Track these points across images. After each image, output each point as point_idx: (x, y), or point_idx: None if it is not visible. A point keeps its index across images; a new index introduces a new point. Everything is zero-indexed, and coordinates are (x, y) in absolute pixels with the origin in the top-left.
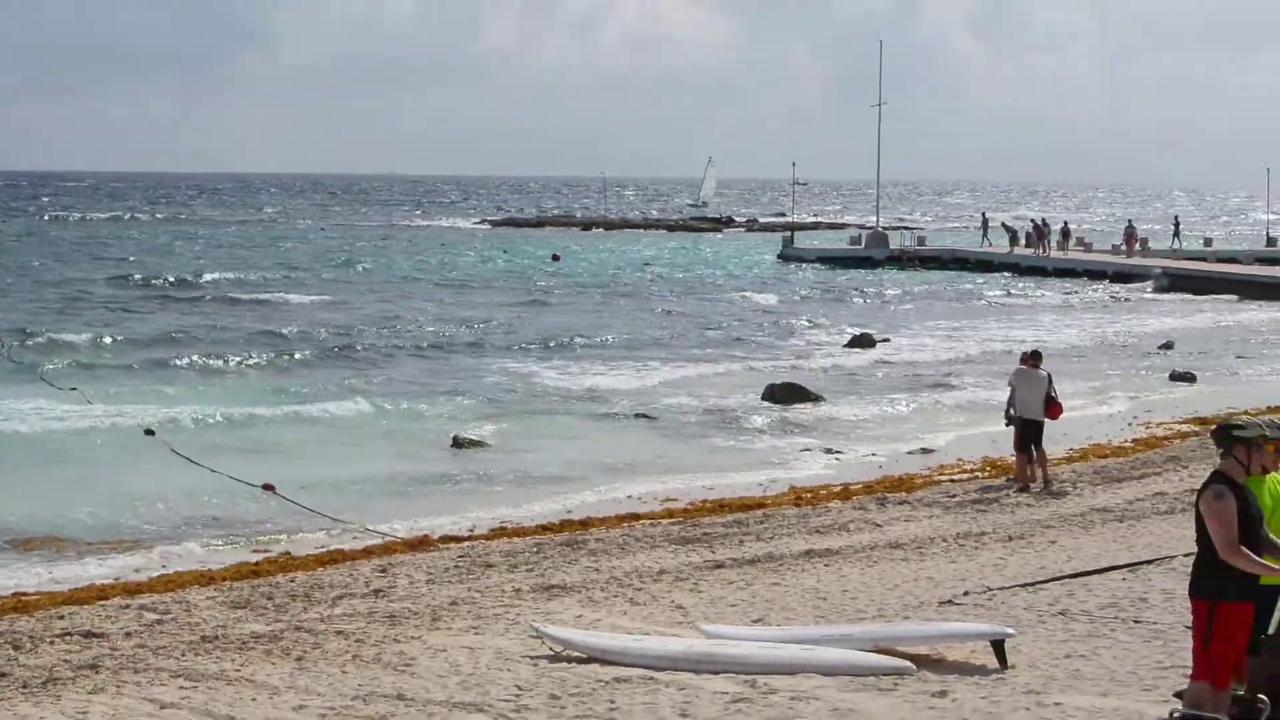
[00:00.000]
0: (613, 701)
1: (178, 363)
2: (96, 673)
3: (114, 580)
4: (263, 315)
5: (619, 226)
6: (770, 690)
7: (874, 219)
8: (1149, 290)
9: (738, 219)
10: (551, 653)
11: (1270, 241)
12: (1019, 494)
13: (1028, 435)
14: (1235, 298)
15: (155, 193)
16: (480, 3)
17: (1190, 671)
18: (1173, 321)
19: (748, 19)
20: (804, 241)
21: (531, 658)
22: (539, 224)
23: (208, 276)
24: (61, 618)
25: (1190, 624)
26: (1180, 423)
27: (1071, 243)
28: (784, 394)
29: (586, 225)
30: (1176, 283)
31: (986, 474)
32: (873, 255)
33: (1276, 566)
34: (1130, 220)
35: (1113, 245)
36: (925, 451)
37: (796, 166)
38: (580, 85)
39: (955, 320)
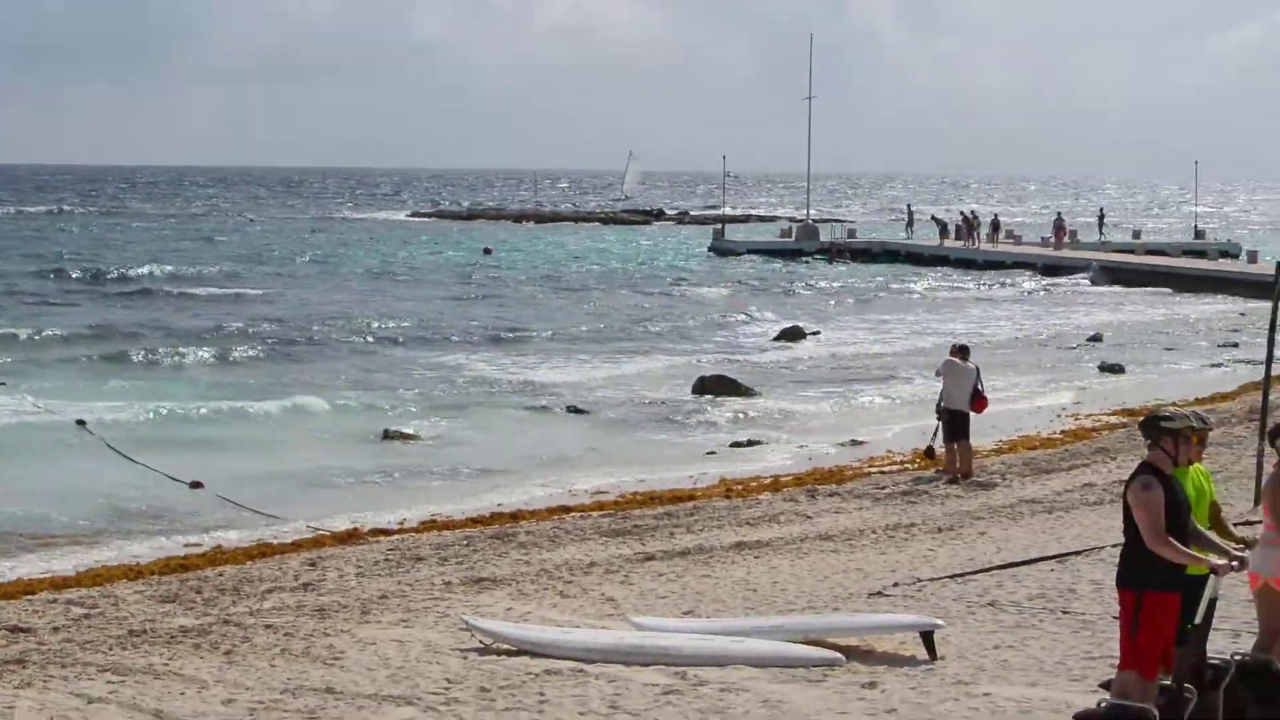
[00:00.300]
0: (542, 694)
1: (112, 358)
2: (23, 667)
3: (41, 575)
4: (197, 309)
5: (550, 219)
6: (700, 682)
7: (805, 212)
8: (1084, 283)
9: (669, 212)
10: (481, 645)
11: (1198, 234)
12: (948, 486)
13: (956, 426)
14: (1169, 290)
15: (85, 186)
16: None
17: (1118, 662)
18: (1102, 314)
19: (678, 11)
20: (735, 234)
21: (461, 650)
22: (470, 216)
23: (141, 271)
24: None
25: (1118, 614)
26: (1109, 414)
27: (1001, 235)
28: (714, 387)
29: (518, 218)
30: (1112, 276)
31: (916, 466)
32: (803, 248)
33: (1203, 557)
34: (1059, 213)
35: (1042, 238)
36: (855, 444)
37: (728, 159)
38: (510, 77)
39: (885, 313)
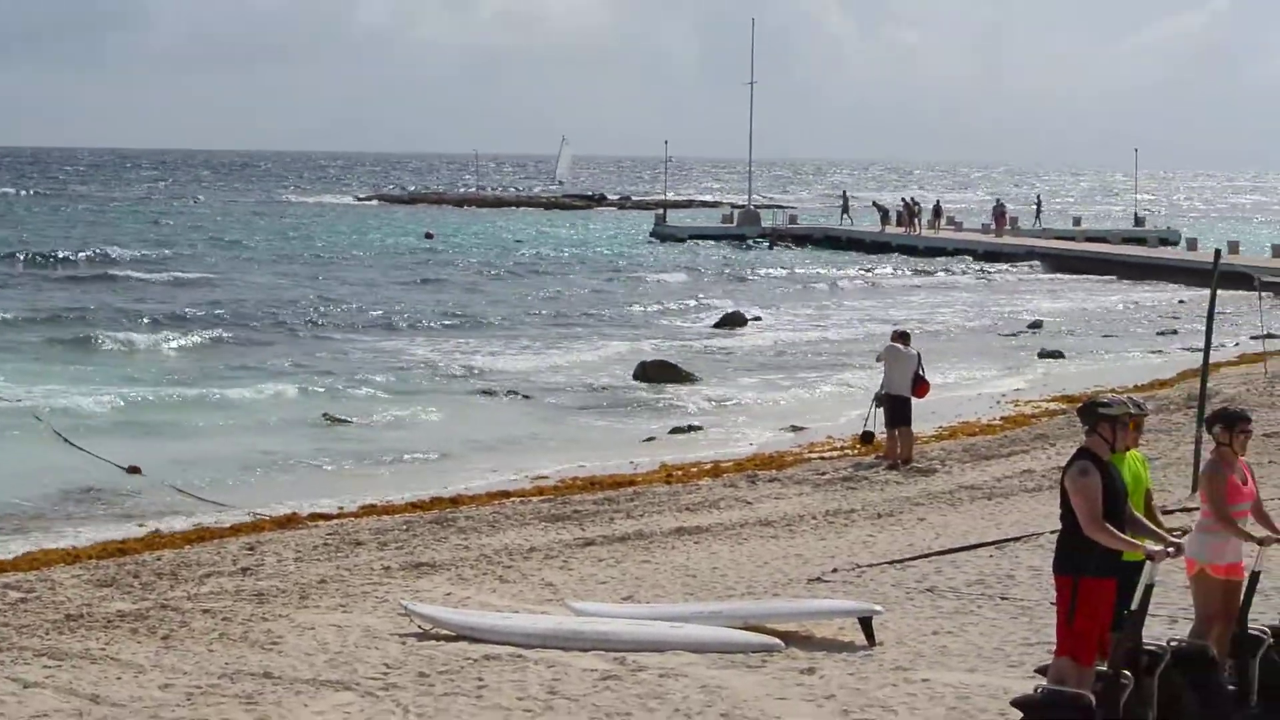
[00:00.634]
0: (481, 679)
1: (56, 342)
2: None
3: None
4: (140, 293)
5: (492, 204)
6: (639, 667)
7: (747, 198)
8: (1035, 270)
9: (611, 196)
10: (420, 630)
11: (1138, 221)
12: (889, 471)
13: (897, 412)
14: (1114, 278)
15: (27, 169)
16: None
17: (1055, 648)
18: (1043, 301)
19: None
20: (677, 220)
21: (400, 636)
22: (412, 200)
23: (86, 254)
24: None
25: (1055, 600)
26: (1048, 401)
27: (943, 222)
28: (656, 373)
29: (460, 202)
30: (1058, 263)
31: (857, 452)
32: (745, 234)
33: (1139, 543)
34: (999, 199)
35: (983, 225)
36: (796, 429)
37: (670, 144)
38: (454, 62)
39: (825, 299)
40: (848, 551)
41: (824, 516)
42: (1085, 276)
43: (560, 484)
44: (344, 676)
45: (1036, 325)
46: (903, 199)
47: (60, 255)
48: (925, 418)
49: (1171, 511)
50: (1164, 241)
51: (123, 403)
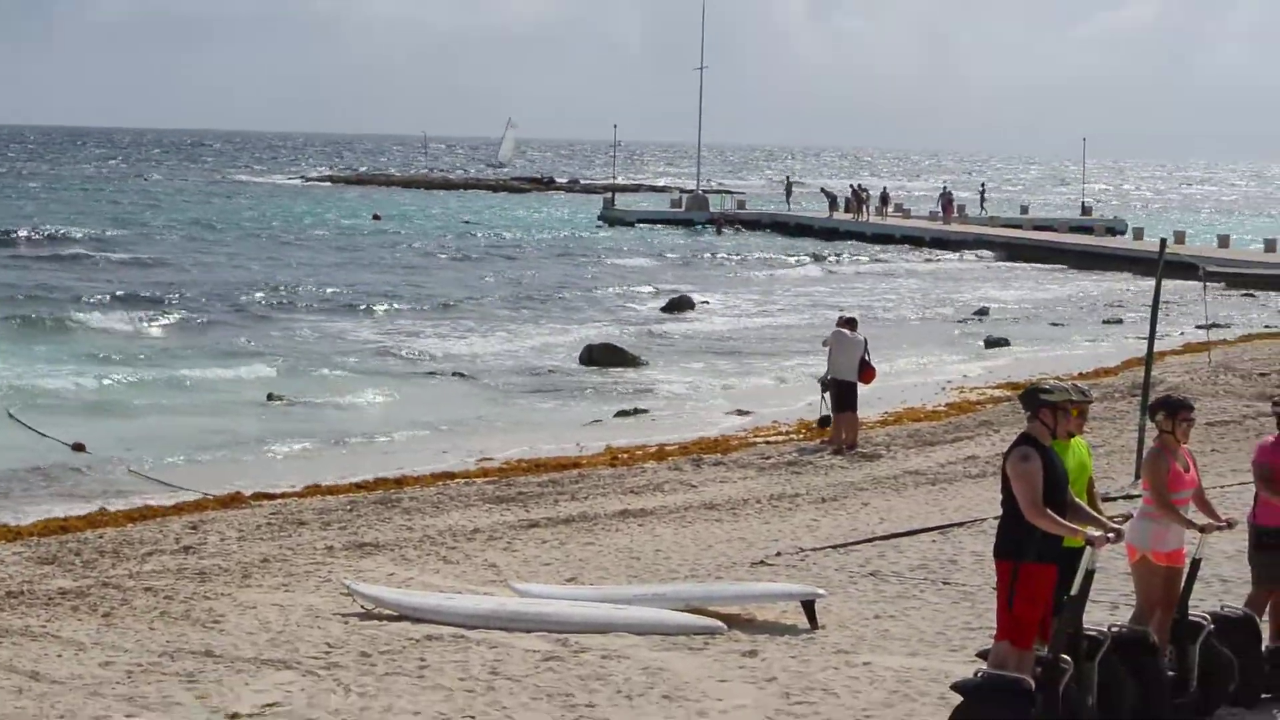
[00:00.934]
0: (423, 659)
1: (6, 319)
2: None
3: None
4: (94, 274)
5: (440, 186)
6: (581, 649)
7: (694, 182)
8: (982, 258)
9: (560, 180)
10: (363, 610)
11: (1085, 210)
12: (833, 456)
13: (842, 397)
14: (1061, 266)
15: None
16: None
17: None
18: (990, 289)
19: None
20: (625, 203)
21: (342, 615)
22: (360, 181)
23: (40, 233)
24: None
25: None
26: (993, 387)
27: (890, 208)
28: (602, 356)
29: (408, 183)
30: (1005, 251)
31: (802, 436)
32: (693, 218)
33: (1079, 528)
34: (946, 187)
35: (930, 212)
36: (741, 413)
37: (619, 128)
38: (403, 42)
39: (772, 284)
40: (791, 535)
41: (768, 500)
42: (1032, 265)
43: (505, 466)
44: (286, 655)
45: (983, 313)
46: (851, 185)
47: (14, 235)
48: (870, 403)
49: (1114, 499)
50: (1111, 231)
51: (73, 382)
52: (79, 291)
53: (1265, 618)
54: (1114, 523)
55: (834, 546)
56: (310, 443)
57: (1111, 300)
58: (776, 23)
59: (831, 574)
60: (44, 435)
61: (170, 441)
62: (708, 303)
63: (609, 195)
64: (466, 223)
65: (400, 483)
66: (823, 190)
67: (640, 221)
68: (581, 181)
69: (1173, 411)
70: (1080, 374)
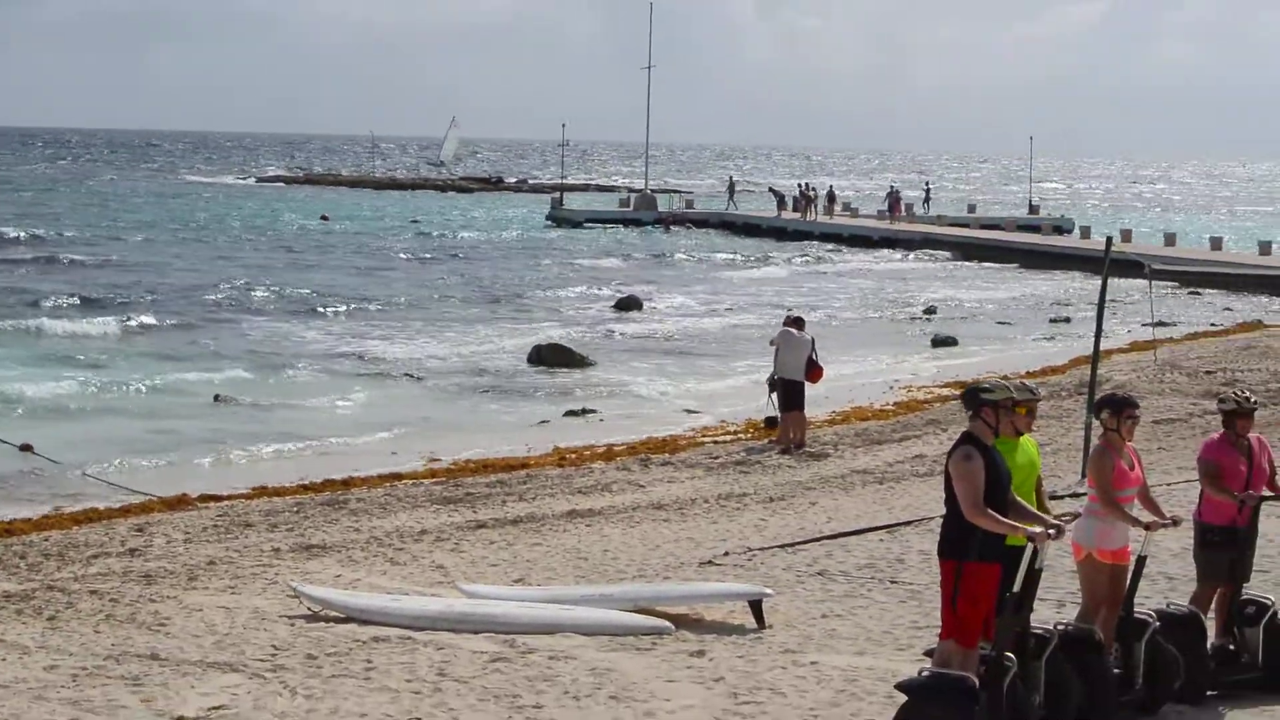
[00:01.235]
0: (370, 661)
1: None
2: None
3: None
4: (37, 275)
5: (388, 186)
6: (529, 650)
7: (643, 182)
8: (930, 257)
9: (509, 179)
10: (309, 612)
11: (1033, 209)
12: (781, 455)
13: (790, 396)
14: (1007, 265)
15: None
16: None
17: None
18: (937, 288)
19: None
20: (574, 203)
21: (289, 618)
22: (310, 181)
23: None
24: None
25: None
26: (941, 387)
27: (838, 208)
28: (550, 356)
29: (357, 183)
30: (952, 250)
31: (750, 436)
32: (641, 218)
33: (1021, 527)
34: (894, 186)
35: (878, 211)
36: (689, 413)
37: (571, 127)
38: (349, 41)
39: (720, 284)
40: (739, 535)
41: (716, 500)
42: (980, 264)
43: (453, 467)
44: (232, 658)
45: (930, 311)
46: (799, 185)
47: None
48: (818, 402)
49: (1061, 496)
50: (1058, 230)
51: (20, 384)
52: (29, 294)
53: (1210, 615)
54: (1063, 521)
55: (781, 546)
56: (258, 444)
57: (1059, 299)
58: (727, 22)
59: (779, 573)
60: None
61: (118, 443)
62: (655, 302)
63: (557, 195)
64: (415, 223)
65: (348, 484)
66: (771, 190)
67: (589, 221)
68: (530, 181)
69: (1117, 409)
70: (1028, 372)
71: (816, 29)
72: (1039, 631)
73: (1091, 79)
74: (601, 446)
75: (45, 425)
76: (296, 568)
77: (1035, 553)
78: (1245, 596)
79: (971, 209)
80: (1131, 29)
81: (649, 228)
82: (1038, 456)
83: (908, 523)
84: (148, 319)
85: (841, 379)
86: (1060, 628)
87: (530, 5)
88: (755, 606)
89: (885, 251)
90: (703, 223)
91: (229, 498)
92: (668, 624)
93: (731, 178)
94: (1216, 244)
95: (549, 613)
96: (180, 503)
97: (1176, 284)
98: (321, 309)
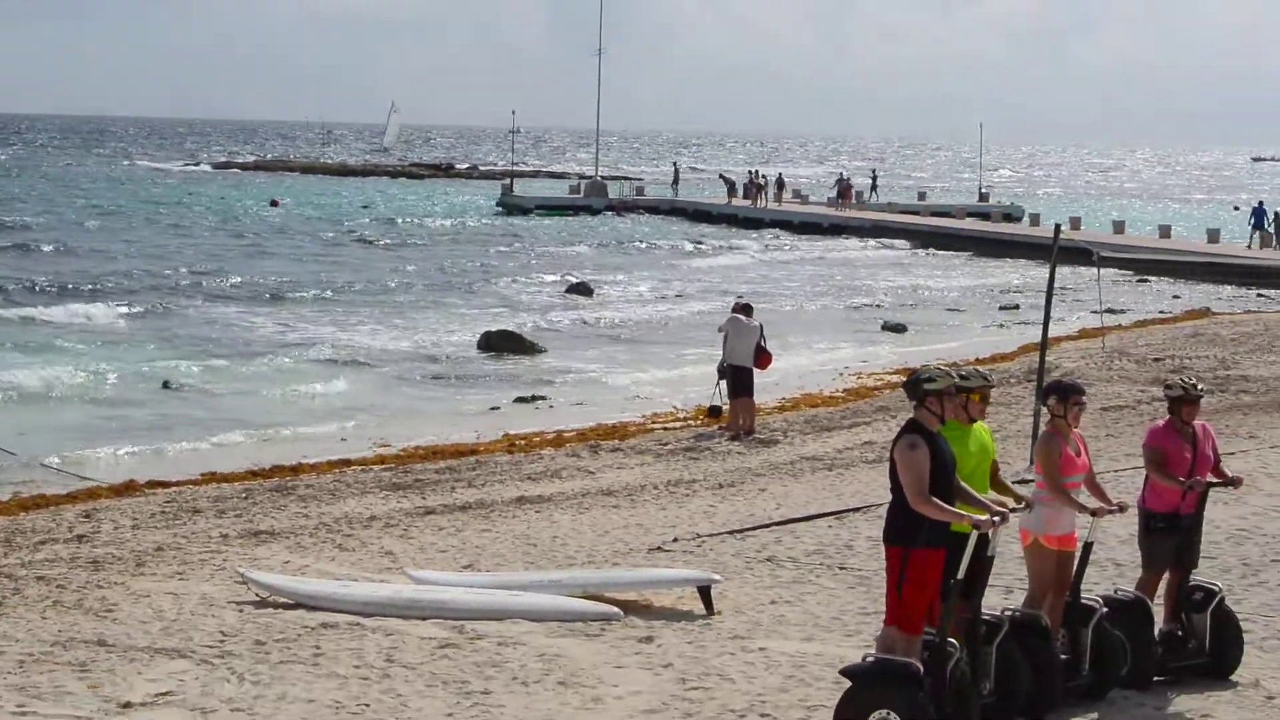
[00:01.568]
0: (318, 647)
1: None
2: None
3: None
4: None
5: (338, 172)
6: (477, 636)
7: (593, 169)
8: (880, 244)
9: (459, 166)
10: (257, 598)
11: (983, 196)
12: (731, 442)
13: (739, 383)
14: (955, 252)
15: None
16: None
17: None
18: (886, 274)
19: None
20: (525, 190)
21: (237, 603)
22: (261, 167)
23: None
24: None
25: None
26: (890, 373)
27: (787, 194)
28: (500, 343)
29: (307, 169)
30: (903, 237)
31: (700, 423)
32: (592, 204)
33: (967, 515)
34: (843, 173)
35: (828, 199)
36: (639, 399)
37: (523, 114)
38: (296, 24)
39: (670, 270)
40: (689, 521)
41: (666, 486)
42: (930, 251)
43: (402, 452)
44: (179, 644)
45: (880, 298)
46: (749, 172)
47: None
48: (768, 389)
49: (1012, 483)
50: (1008, 217)
51: None
52: None
53: (1158, 601)
54: (999, 507)
55: (731, 532)
56: (207, 431)
57: (1009, 286)
58: (676, 7)
59: (728, 560)
60: None
61: (65, 429)
62: (606, 290)
63: (507, 181)
64: (365, 208)
65: (297, 470)
66: (721, 176)
67: (539, 208)
68: (480, 167)
69: (1064, 396)
70: (977, 359)
71: (767, 15)
72: (990, 618)
73: (1036, 64)
74: (551, 433)
75: None
76: (245, 554)
77: (983, 539)
78: (1193, 583)
79: (922, 196)
80: (1073, 13)
81: (601, 214)
82: (990, 442)
83: (856, 509)
84: (97, 305)
85: (791, 365)
86: (1008, 614)
87: None
88: (704, 592)
89: (837, 240)
90: (654, 209)
91: (177, 484)
92: (616, 610)
93: (676, 165)
94: (1165, 232)
95: (498, 599)
96: (128, 489)
97: (1129, 271)
98: (271, 296)
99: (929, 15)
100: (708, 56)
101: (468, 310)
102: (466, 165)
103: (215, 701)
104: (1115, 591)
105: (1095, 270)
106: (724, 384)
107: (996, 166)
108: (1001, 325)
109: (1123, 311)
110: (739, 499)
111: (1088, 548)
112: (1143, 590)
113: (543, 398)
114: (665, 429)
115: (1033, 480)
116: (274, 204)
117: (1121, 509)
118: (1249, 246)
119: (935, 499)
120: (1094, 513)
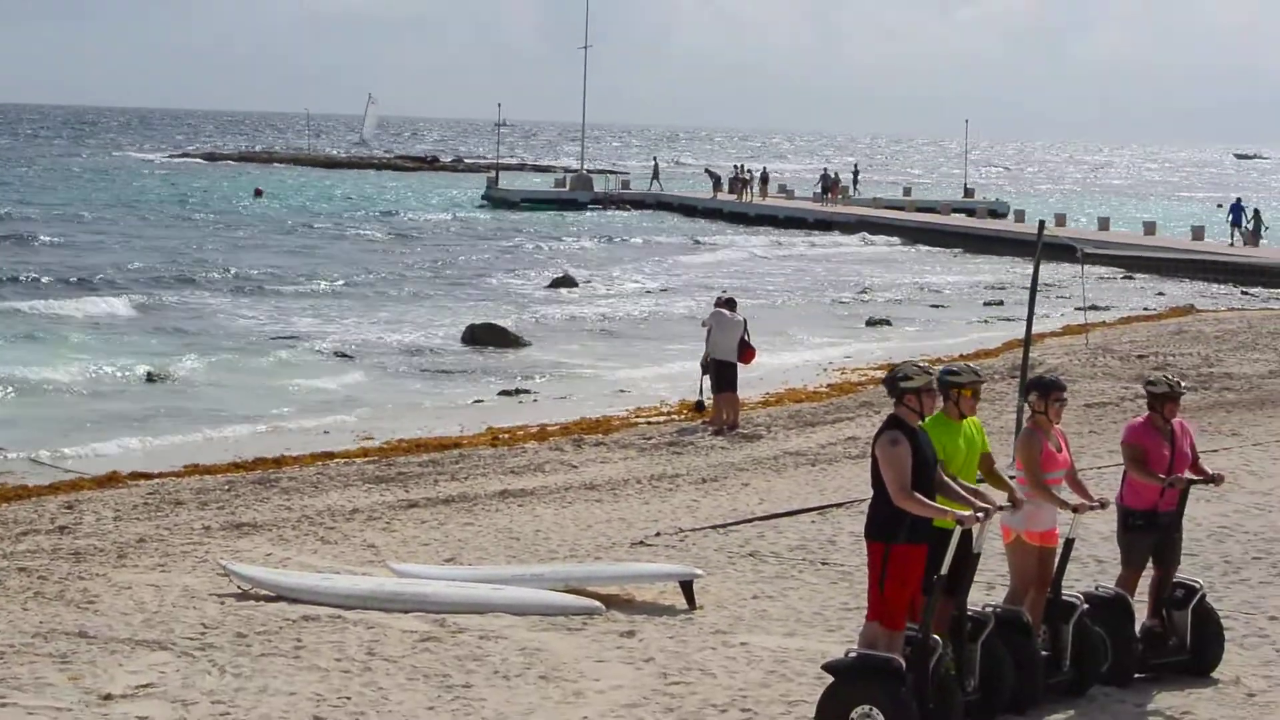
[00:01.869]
0: (299, 640)
1: None
2: None
3: None
4: None
5: (323, 164)
6: (459, 629)
7: (579, 162)
8: (865, 239)
9: (445, 159)
10: (239, 591)
11: (968, 192)
12: (714, 437)
13: (723, 377)
14: (941, 248)
15: None
16: None
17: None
18: (871, 270)
19: None
20: (510, 183)
21: (219, 596)
22: (242, 158)
23: None
24: None
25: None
26: (874, 368)
27: (771, 188)
28: (484, 336)
29: (293, 161)
30: (887, 232)
31: (684, 417)
32: (577, 198)
33: (949, 510)
34: (828, 168)
35: (814, 194)
36: (622, 393)
37: (510, 108)
38: (285, 18)
39: (655, 264)
40: (671, 516)
41: (649, 481)
42: (914, 246)
43: (385, 446)
44: (160, 636)
45: (865, 293)
46: (734, 167)
47: None
48: (751, 384)
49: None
50: (993, 213)
51: None
52: None
53: (1138, 597)
54: (1005, 505)
55: (713, 527)
56: (190, 422)
57: (994, 282)
58: (672, 4)
59: (711, 554)
60: None
61: (48, 421)
62: (590, 282)
63: (492, 175)
64: (349, 199)
65: (279, 462)
66: (707, 171)
67: (524, 201)
68: (466, 161)
69: (1045, 392)
70: (961, 355)
71: (757, 10)
72: (975, 615)
73: (1028, 61)
74: (535, 426)
75: None
76: (227, 546)
77: (967, 535)
78: (1174, 580)
79: (907, 192)
80: (1067, 11)
81: (587, 208)
82: (980, 437)
83: (839, 504)
84: (81, 296)
85: (775, 360)
86: (990, 609)
87: None
88: (686, 587)
89: (820, 233)
90: (639, 204)
91: (160, 475)
92: (598, 604)
93: (656, 160)
94: (1150, 229)
95: (480, 592)
96: (111, 480)
97: (1114, 268)
98: (255, 288)
99: (926, 13)
100: (703, 53)
101: (452, 303)
102: (452, 158)
103: (196, 694)
104: (1096, 588)
105: (1079, 267)
106: (708, 379)
107: (988, 163)
108: (986, 321)
109: (1107, 308)
110: (722, 494)
111: (1069, 544)
112: (1123, 587)
113: (526, 391)
114: (649, 423)
115: (1014, 476)
116: (258, 193)
117: (1103, 505)
118: (1231, 244)
119: (918, 494)
120: (1075, 509)
